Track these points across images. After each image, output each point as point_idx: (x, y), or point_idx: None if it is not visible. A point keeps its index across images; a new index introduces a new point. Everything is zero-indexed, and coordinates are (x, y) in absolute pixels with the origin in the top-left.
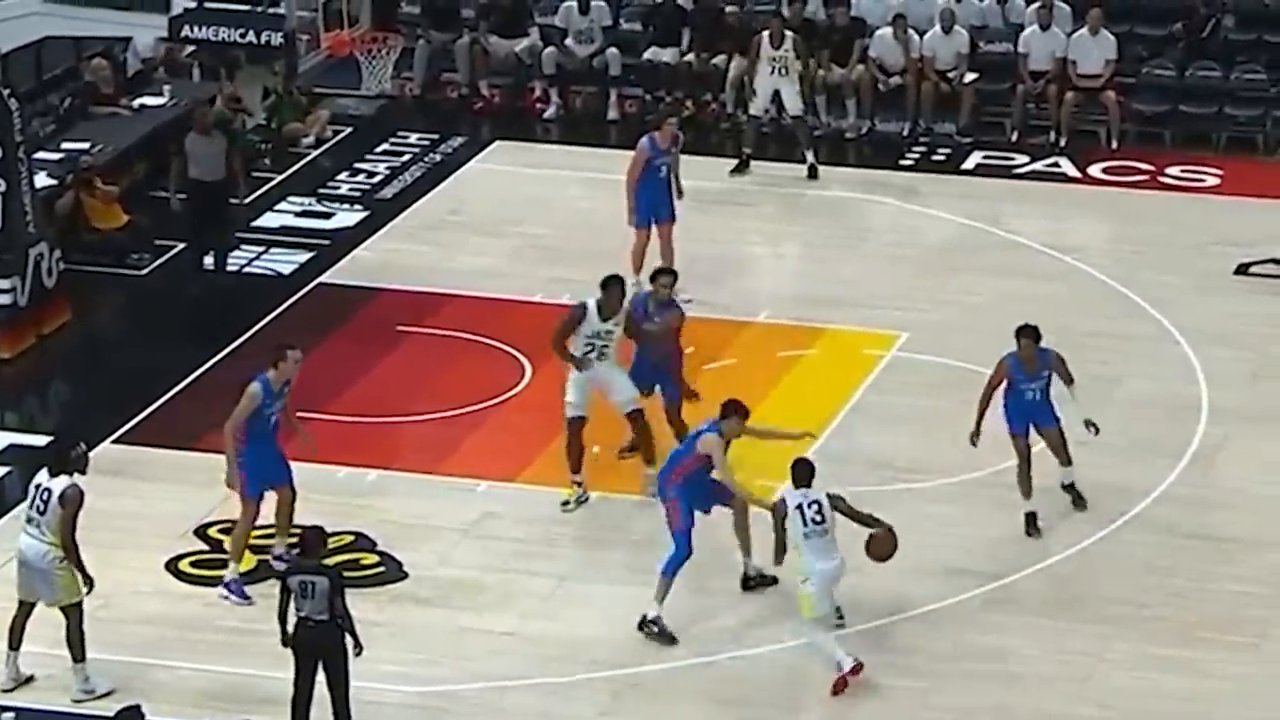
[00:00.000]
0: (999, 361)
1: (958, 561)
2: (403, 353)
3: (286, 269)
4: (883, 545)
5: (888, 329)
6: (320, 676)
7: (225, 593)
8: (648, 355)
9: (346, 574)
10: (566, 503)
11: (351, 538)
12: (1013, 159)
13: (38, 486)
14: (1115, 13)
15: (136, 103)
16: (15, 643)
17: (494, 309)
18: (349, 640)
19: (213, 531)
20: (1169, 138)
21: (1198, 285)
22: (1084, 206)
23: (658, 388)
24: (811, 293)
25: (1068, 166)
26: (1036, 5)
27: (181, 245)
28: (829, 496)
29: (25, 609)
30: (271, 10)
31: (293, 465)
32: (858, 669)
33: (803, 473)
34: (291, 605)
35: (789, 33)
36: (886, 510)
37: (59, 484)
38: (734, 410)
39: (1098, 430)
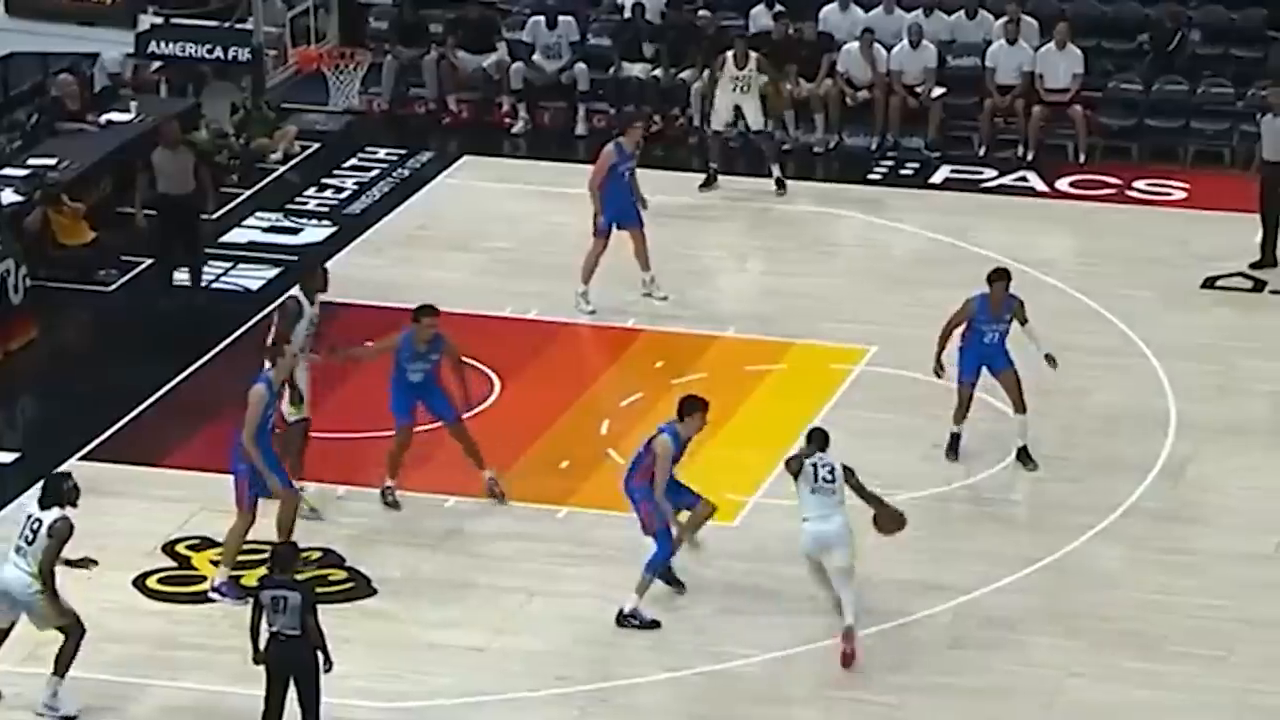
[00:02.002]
0: (965, 301)
1: (926, 576)
2: (371, 368)
3: (254, 284)
4: (890, 522)
5: (856, 343)
6: (291, 693)
7: (218, 596)
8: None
9: (316, 590)
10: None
11: (320, 553)
12: (981, 173)
13: (29, 516)
14: (1082, 27)
15: (103, 118)
16: None
17: (462, 324)
18: (320, 656)
19: (180, 548)
20: (1136, 152)
21: (1165, 299)
22: (1052, 220)
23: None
24: (779, 307)
25: (1035, 180)
26: (1004, 20)
27: (149, 261)
28: (844, 467)
29: (3, 633)
30: (239, 26)
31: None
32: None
33: (818, 438)
34: (264, 620)
35: (753, 53)
36: (855, 524)
37: (49, 516)
38: (693, 407)
39: (1056, 364)
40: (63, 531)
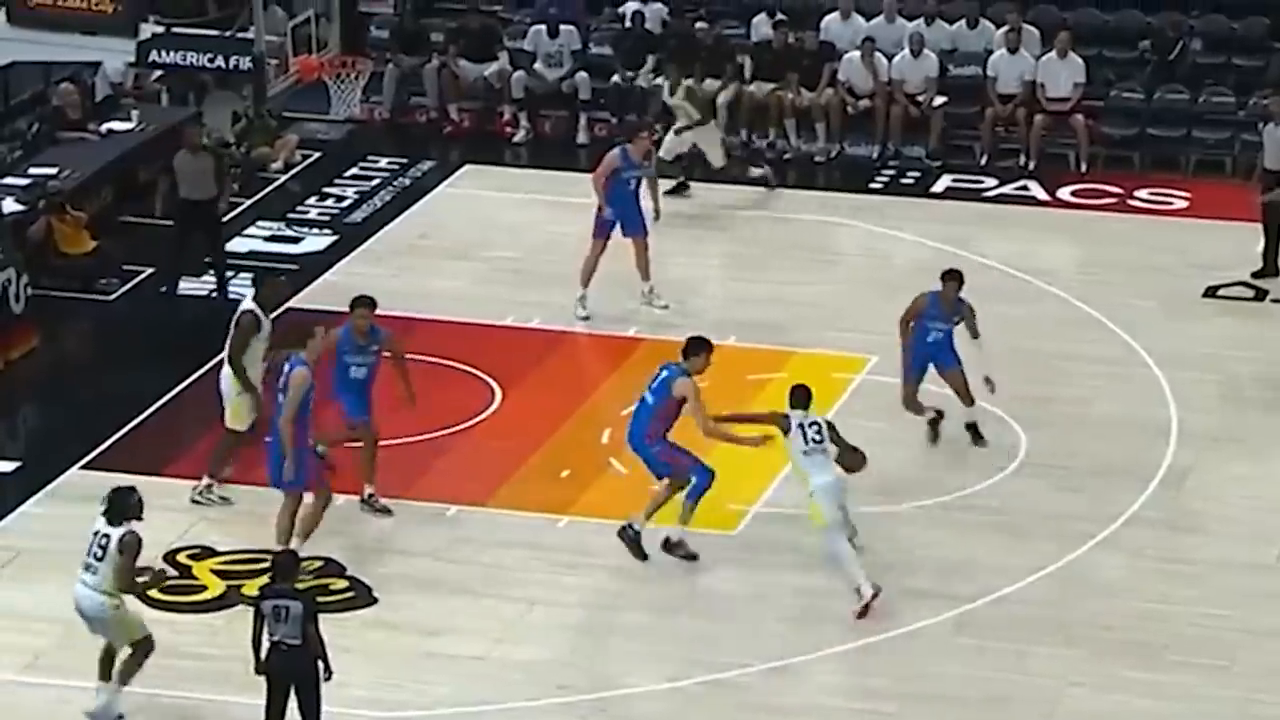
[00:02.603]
0: (918, 295)
1: (927, 585)
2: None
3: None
4: (857, 463)
5: (857, 352)
6: (292, 702)
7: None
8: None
9: (316, 599)
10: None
11: (321, 562)
12: (982, 182)
13: (95, 533)
14: (1083, 36)
15: (104, 128)
16: (105, 673)
17: (463, 333)
18: (320, 665)
19: (181, 557)
20: (1138, 161)
21: (1167, 308)
22: (1053, 230)
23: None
24: (781, 316)
25: (1037, 190)
26: (1005, 29)
27: (150, 271)
28: (825, 422)
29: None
30: (240, 35)
31: (264, 491)
32: (877, 594)
33: (801, 396)
34: (265, 630)
35: (684, 81)
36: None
37: (117, 531)
38: (699, 347)
39: (994, 388)
40: (133, 546)
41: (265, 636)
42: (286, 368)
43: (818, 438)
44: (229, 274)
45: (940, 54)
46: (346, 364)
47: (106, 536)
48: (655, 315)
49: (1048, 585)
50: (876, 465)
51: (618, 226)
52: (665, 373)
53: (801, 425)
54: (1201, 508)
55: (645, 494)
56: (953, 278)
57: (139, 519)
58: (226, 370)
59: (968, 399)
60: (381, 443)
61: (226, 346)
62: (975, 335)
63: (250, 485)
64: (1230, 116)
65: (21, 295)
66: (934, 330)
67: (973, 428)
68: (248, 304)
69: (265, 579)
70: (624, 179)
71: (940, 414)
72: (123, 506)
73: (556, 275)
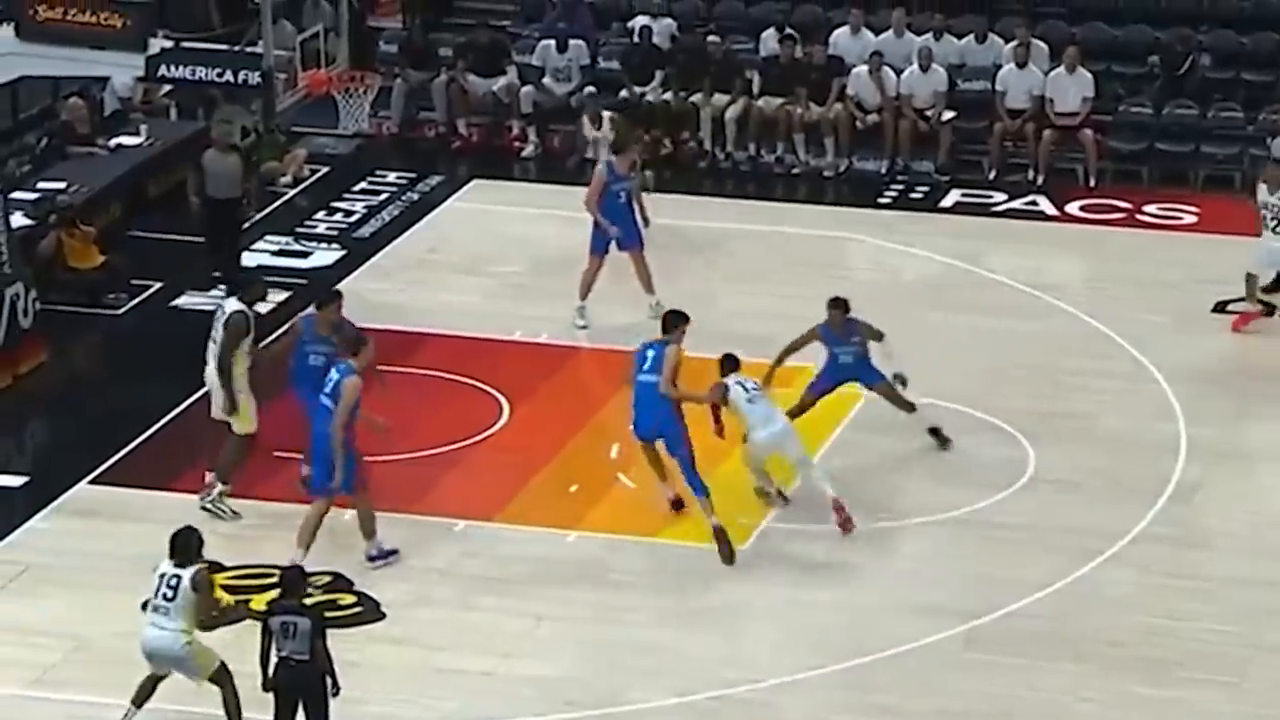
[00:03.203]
0: (811, 328)
1: (937, 601)
2: (380, 392)
3: (263, 308)
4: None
5: None
6: (300, 717)
7: (377, 565)
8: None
9: (324, 614)
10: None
11: (329, 578)
12: (991, 197)
13: (162, 575)
14: (1092, 51)
15: (113, 142)
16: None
17: (472, 348)
18: (328, 680)
19: None
20: (1146, 176)
21: (1175, 323)
22: (1062, 244)
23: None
24: (790, 331)
25: (1046, 205)
26: (1014, 44)
27: (159, 285)
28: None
29: (156, 679)
30: (249, 50)
31: (270, 507)
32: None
33: (731, 363)
34: (273, 646)
35: (606, 113)
36: (865, 549)
37: (188, 571)
38: (678, 320)
39: (905, 383)
40: (206, 583)
41: (273, 652)
42: (335, 375)
43: (756, 389)
44: (238, 268)
45: (949, 69)
46: (306, 352)
47: (177, 577)
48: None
49: (1056, 601)
50: (883, 481)
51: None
52: (653, 351)
53: (740, 383)
54: (1210, 523)
55: (653, 508)
56: (835, 305)
57: (201, 557)
58: (214, 370)
59: (906, 406)
60: (390, 458)
61: (216, 349)
62: (878, 338)
63: (256, 500)
64: (1239, 131)
65: (30, 310)
66: (842, 355)
67: (935, 432)
68: (235, 304)
69: (272, 594)
70: (613, 192)
71: (939, 433)
72: (188, 547)
73: (565, 290)
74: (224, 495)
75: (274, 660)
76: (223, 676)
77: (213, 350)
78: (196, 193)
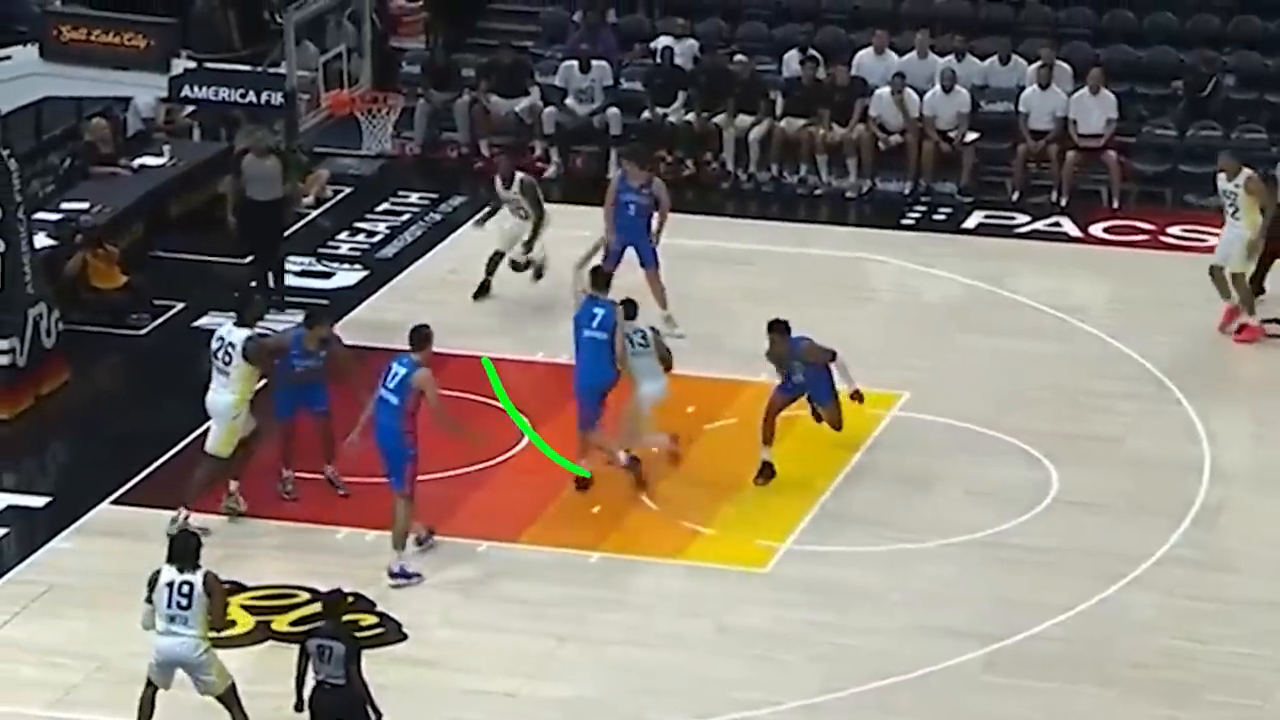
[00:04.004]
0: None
1: (958, 623)
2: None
3: (284, 329)
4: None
5: (889, 388)
6: None
7: (402, 580)
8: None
9: (361, 640)
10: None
11: (351, 599)
12: (1014, 218)
13: (170, 585)
14: (1116, 72)
15: (136, 163)
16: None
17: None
18: (369, 709)
19: None
20: (1170, 197)
21: (1199, 345)
22: (1086, 266)
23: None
24: None
25: (1069, 226)
26: (1037, 65)
27: (181, 306)
28: (651, 329)
29: (154, 690)
30: (272, 70)
31: (292, 526)
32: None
33: (629, 308)
34: (309, 669)
35: (519, 174)
36: (886, 571)
37: (198, 576)
38: (627, 310)
39: (862, 398)
40: (216, 585)
41: (310, 675)
42: (401, 370)
43: (643, 341)
44: (284, 271)
45: (972, 90)
46: (293, 365)
47: (188, 584)
48: (686, 352)
49: (1079, 623)
50: (905, 503)
51: (633, 255)
52: (602, 309)
53: (629, 336)
54: (1235, 546)
55: (676, 531)
56: (772, 329)
57: (199, 560)
58: (227, 397)
59: (838, 425)
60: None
61: (234, 377)
62: (831, 358)
63: (279, 520)
64: (1263, 153)
65: (53, 330)
66: (796, 372)
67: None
68: (242, 331)
69: (294, 614)
70: (623, 203)
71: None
72: (191, 552)
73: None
74: (187, 516)
75: (311, 683)
76: (231, 697)
77: (223, 381)
78: (235, 198)
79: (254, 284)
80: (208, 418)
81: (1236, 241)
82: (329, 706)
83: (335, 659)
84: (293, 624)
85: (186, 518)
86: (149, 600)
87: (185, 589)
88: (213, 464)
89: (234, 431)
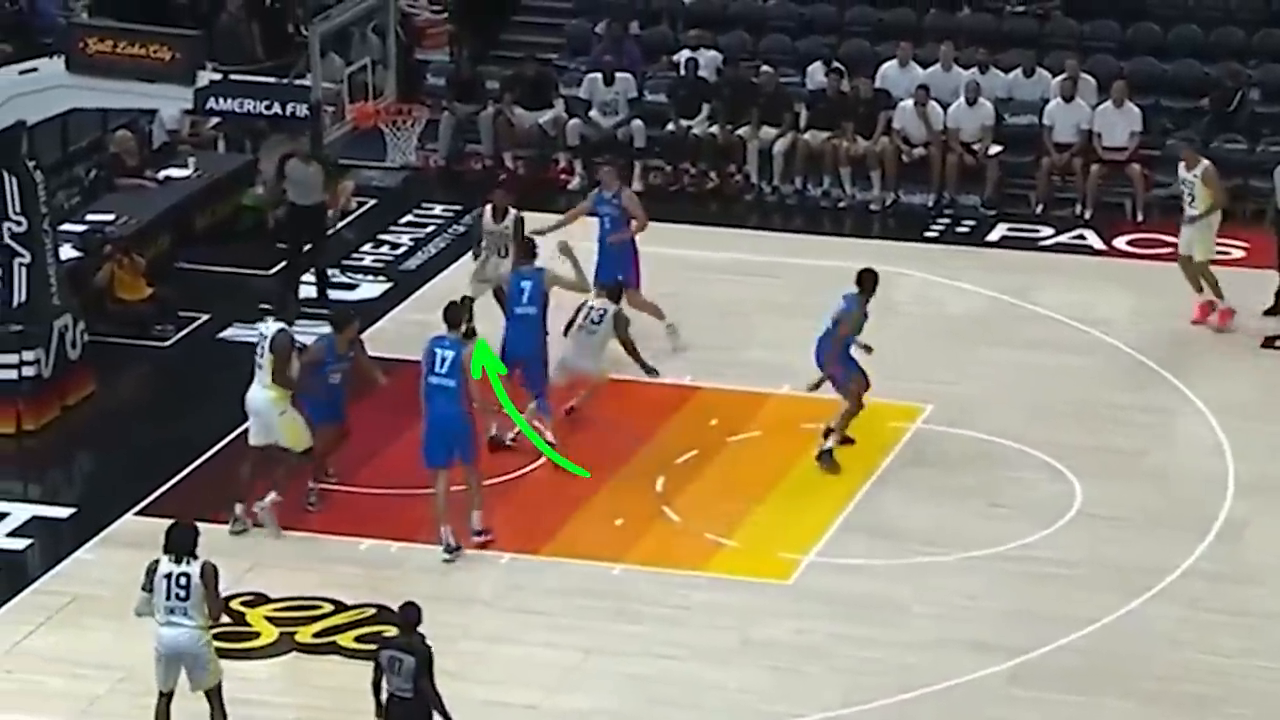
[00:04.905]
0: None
1: (982, 636)
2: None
3: (310, 340)
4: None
5: (912, 401)
6: None
7: (482, 539)
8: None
9: (369, 647)
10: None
11: (374, 610)
12: (1038, 231)
13: (168, 576)
14: (1140, 85)
15: (161, 174)
16: None
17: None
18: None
19: (235, 604)
20: None
21: (1224, 358)
22: (1109, 279)
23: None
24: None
25: (1093, 239)
26: (1062, 78)
27: (205, 318)
28: (615, 314)
29: (168, 697)
30: (297, 82)
31: (316, 538)
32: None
33: (613, 295)
34: (383, 680)
35: (513, 210)
36: (910, 584)
37: (195, 566)
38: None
39: (869, 349)
40: (212, 575)
41: (384, 686)
42: (449, 354)
43: (596, 319)
44: (328, 273)
45: (996, 103)
46: (325, 373)
47: (186, 575)
48: (709, 365)
49: (1103, 637)
50: (929, 515)
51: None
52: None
53: (589, 310)
54: (1259, 559)
55: (699, 543)
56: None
57: (197, 551)
58: (263, 393)
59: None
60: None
61: (268, 369)
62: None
63: (303, 531)
64: None
65: (78, 341)
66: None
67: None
68: (275, 324)
69: (317, 625)
70: (600, 216)
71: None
72: (189, 541)
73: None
74: (276, 505)
75: (385, 695)
76: (218, 694)
77: (260, 375)
78: (275, 202)
79: (289, 287)
80: (232, 428)
81: (1196, 230)
82: (398, 717)
83: (405, 671)
84: (316, 635)
85: (276, 503)
86: (146, 589)
87: (183, 580)
88: (295, 459)
89: (294, 423)
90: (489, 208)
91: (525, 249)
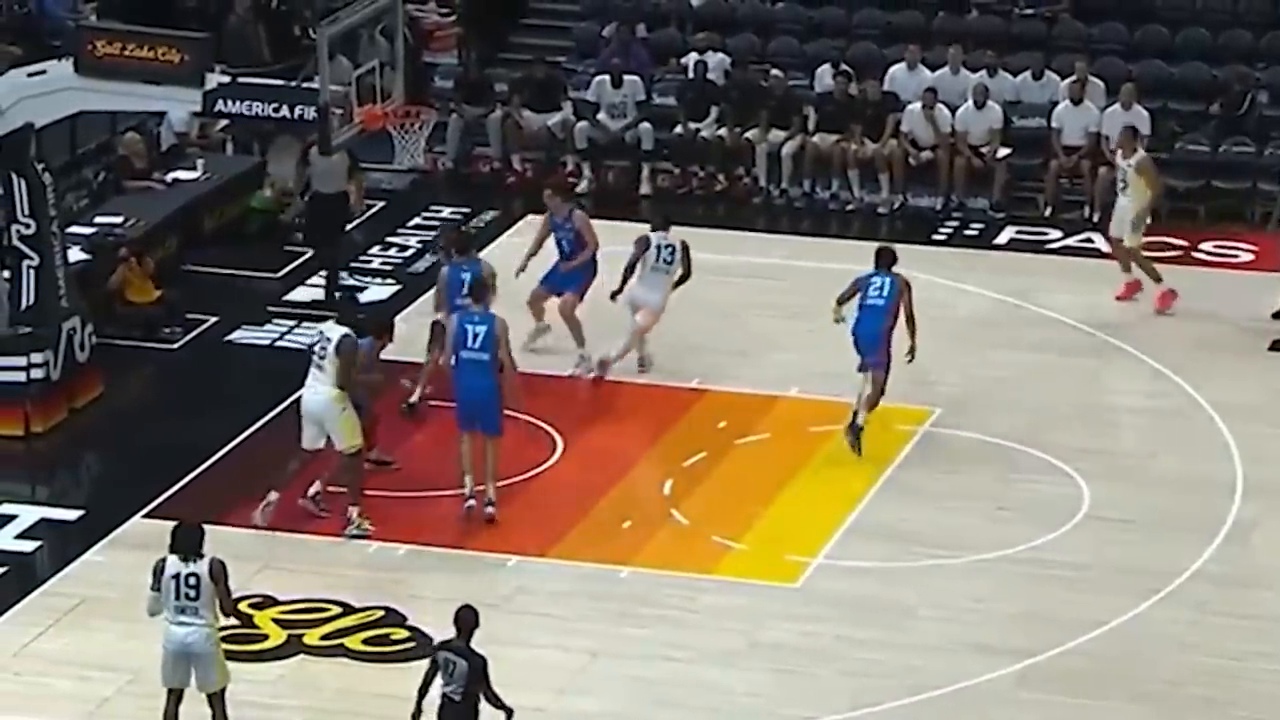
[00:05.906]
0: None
1: (989, 639)
2: (433, 427)
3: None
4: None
5: (920, 404)
6: None
7: (493, 511)
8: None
9: (377, 649)
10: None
11: (381, 613)
12: (1046, 234)
13: (176, 576)
14: (1148, 88)
15: (170, 177)
16: None
17: (525, 384)
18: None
19: (243, 606)
20: (1203, 213)
21: (1232, 361)
22: (1117, 282)
23: None
24: (843, 367)
25: (1101, 242)
26: (1070, 80)
27: (213, 320)
28: (682, 244)
29: (176, 696)
30: (305, 85)
31: (322, 540)
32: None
33: (662, 220)
34: (437, 679)
35: (472, 250)
36: (918, 586)
37: (203, 565)
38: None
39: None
40: (222, 571)
41: (437, 686)
42: (480, 329)
43: (669, 258)
44: (341, 267)
45: (1004, 105)
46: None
47: (195, 575)
48: (719, 367)
49: (1111, 640)
50: (937, 518)
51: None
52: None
53: (659, 246)
54: (1268, 562)
55: (707, 546)
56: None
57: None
58: (330, 393)
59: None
60: (442, 493)
61: (330, 372)
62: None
63: (311, 534)
64: None
65: (86, 343)
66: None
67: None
68: (341, 329)
69: (326, 628)
70: (556, 240)
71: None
72: (195, 541)
73: (618, 326)
74: (363, 515)
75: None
76: (222, 698)
77: (321, 376)
78: (300, 187)
79: (336, 284)
80: (239, 431)
81: (1126, 215)
82: (447, 718)
83: (458, 674)
84: (324, 637)
85: (361, 513)
86: (155, 589)
87: (192, 580)
88: (354, 459)
89: (352, 420)
90: (447, 246)
91: (460, 242)
